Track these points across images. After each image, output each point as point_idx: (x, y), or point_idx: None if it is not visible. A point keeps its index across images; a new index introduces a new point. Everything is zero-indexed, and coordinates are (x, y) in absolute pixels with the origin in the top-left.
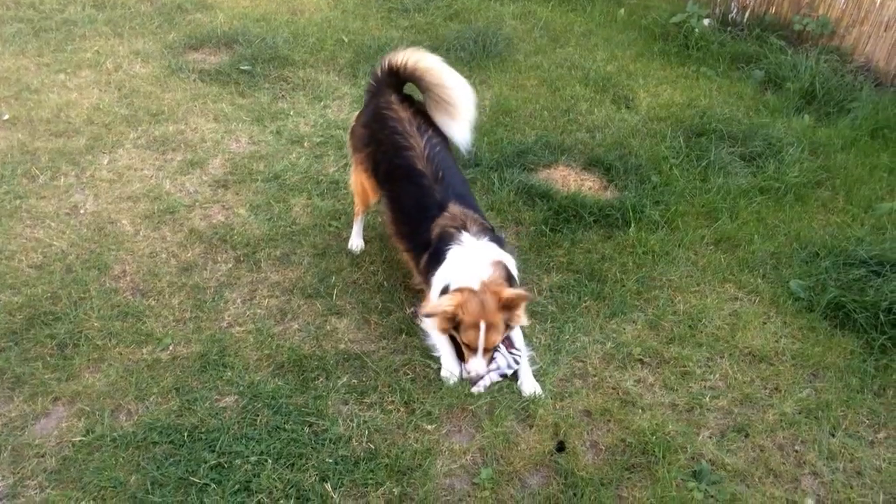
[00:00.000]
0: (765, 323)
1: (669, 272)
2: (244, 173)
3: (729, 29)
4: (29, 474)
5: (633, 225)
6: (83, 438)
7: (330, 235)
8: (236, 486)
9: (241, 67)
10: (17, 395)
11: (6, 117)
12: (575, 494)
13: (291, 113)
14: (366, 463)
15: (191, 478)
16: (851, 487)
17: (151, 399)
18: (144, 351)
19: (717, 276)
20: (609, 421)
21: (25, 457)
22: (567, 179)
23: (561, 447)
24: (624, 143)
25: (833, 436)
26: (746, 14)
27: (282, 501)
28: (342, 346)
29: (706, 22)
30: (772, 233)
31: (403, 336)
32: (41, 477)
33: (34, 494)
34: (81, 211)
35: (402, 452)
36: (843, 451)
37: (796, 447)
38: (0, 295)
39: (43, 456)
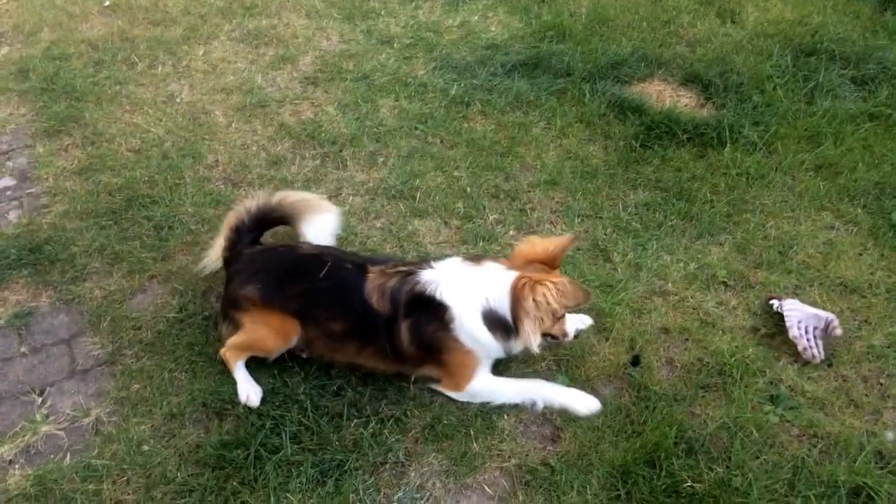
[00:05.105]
0: (860, 254)
1: (763, 196)
2: (333, 71)
3: None
4: (126, 344)
5: (728, 145)
6: (176, 315)
7: (416, 139)
8: (316, 371)
9: None
10: (116, 271)
11: (107, 3)
12: (647, 407)
13: (382, 13)
14: None
15: None
16: None
17: None
18: None
19: (813, 203)
20: (687, 340)
21: (123, 328)
22: (662, 94)
23: (636, 361)
24: (726, 60)
25: None
26: None
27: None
28: (422, 249)
29: None
30: (878, 162)
31: (482, 243)
32: (137, 347)
33: (131, 363)
34: (177, 100)
35: None
36: None
37: (881, 380)
38: (101, 176)
39: (139, 328)
